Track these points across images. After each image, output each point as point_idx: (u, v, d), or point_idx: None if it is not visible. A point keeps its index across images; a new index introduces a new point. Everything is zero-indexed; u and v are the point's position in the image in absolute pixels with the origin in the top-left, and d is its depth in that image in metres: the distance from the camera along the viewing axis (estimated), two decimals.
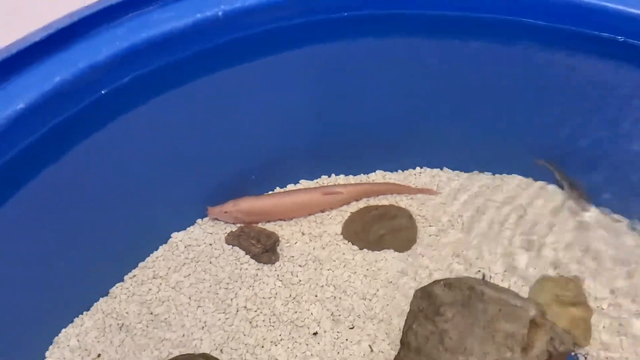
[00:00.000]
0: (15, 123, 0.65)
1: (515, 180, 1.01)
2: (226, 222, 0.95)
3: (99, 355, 0.81)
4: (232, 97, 0.84)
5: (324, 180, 1.03)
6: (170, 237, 0.94)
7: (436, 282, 0.81)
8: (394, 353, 0.80)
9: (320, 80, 0.88)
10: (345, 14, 0.81)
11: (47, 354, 0.80)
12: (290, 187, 1.01)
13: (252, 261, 0.91)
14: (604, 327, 0.85)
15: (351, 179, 1.03)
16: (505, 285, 0.88)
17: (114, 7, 0.71)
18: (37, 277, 0.76)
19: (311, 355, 0.81)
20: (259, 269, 0.91)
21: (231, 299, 0.87)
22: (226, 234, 0.94)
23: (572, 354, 0.83)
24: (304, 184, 1.02)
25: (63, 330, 0.83)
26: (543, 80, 0.90)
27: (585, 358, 0.83)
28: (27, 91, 0.66)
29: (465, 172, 1.03)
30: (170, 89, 0.78)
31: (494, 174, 1.02)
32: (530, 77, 0.91)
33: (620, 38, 0.80)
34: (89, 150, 0.74)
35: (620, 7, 0.79)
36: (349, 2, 0.80)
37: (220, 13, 0.75)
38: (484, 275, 0.90)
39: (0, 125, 0.64)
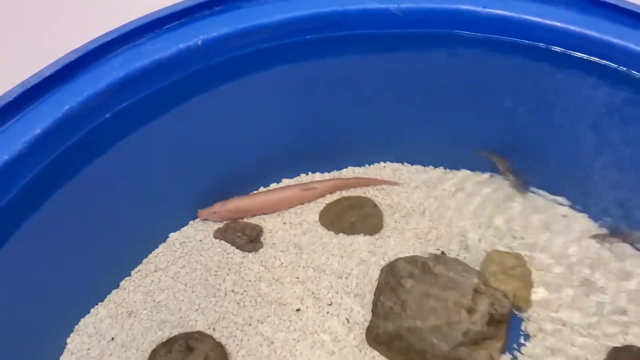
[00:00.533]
0: (34, 145, 0.77)
1: (464, 173, 1.15)
2: (214, 221, 1.08)
3: (112, 339, 0.94)
4: (216, 114, 0.97)
5: (302, 177, 1.16)
6: (168, 237, 1.06)
7: (398, 259, 0.95)
8: (367, 323, 0.94)
9: (294, 94, 1.01)
10: (308, 37, 0.93)
11: (68, 340, 0.93)
12: (273, 185, 1.14)
13: (238, 251, 1.04)
14: (542, 292, 1.00)
15: (326, 175, 1.17)
16: (461, 259, 1.02)
17: (110, 42, 0.83)
18: (60, 273, 0.88)
19: (294, 330, 0.95)
20: (244, 257, 1.04)
21: (220, 284, 1.00)
22: (215, 229, 1.07)
23: (517, 315, 0.98)
24: (285, 182, 1.15)
25: (82, 319, 0.95)
26: (481, 85, 1.04)
27: (528, 319, 0.98)
28: (42, 118, 0.78)
29: (422, 166, 1.17)
30: (163, 110, 0.90)
31: (445, 169, 1.17)
32: (468, 84, 1.05)
33: (541, 45, 0.93)
34: (98, 168, 0.86)
35: (539, 20, 0.92)
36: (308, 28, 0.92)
37: (199, 42, 0.87)
38: (442, 252, 1.03)
39: (22, 148, 0.76)
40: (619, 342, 0.93)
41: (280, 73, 0.99)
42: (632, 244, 1.03)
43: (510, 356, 0.92)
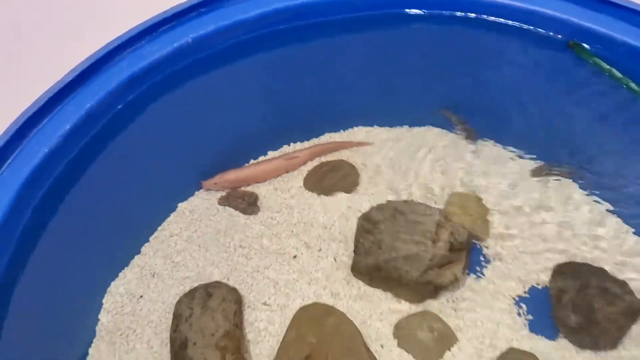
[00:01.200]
0: (67, 138, 0.94)
1: (426, 129, 1.33)
2: (217, 191, 1.26)
3: (141, 296, 1.12)
4: (210, 99, 1.14)
5: (285, 149, 1.33)
6: (177, 207, 1.23)
7: (372, 208, 1.14)
8: (350, 261, 1.13)
9: (273, 77, 1.18)
10: (281, 27, 1.10)
11: (103, 301, 1.11)
12: (261, 158, 1.31)
13: (241, 214, 1.22)
14: (497, 224, 1.20)
15: (305, 144, 1.34)
16: (428, 203, 1.21)
17: (116, 47, 1.00)
18: (91, 245, 1.06)
19: (293, 272, 1.14)
20: (247, 219, 1.22)
21: (229, 242, 1.18)
22: (218, 199, 1.25)
23: (477, 244, 1.17)
24: (270, 154, 1.32)
25: (112, 282, 1.13)
26: (433, 55, 1.22)
27: (487, 247, 1.17)
28: (69, 116, 0.95)
29: (390, 127, 1.35)
30: (165, 99, 1.07)
31: (410, 127, 1.35)
32: (422, 55, 1.23)
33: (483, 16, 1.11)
34: (117, 153, 1.03)
35: None
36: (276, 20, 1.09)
37: (190, 40, 1.04)
38: (413, 201, 1.22)
39: (58, 141, 0.93)
40: (562, 260, 1.13)
41: (259, 60, 1.16)
42: (568, 177, 1.22)
43: (475, 276, 1.12)
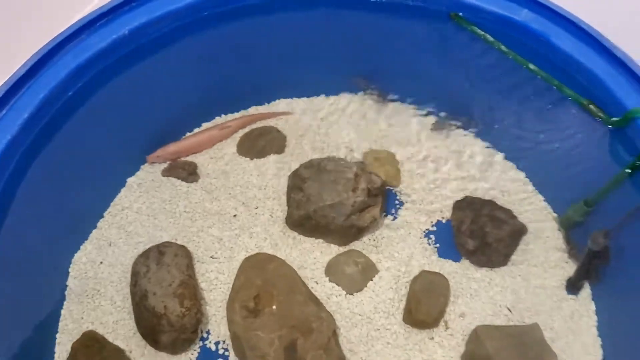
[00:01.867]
0: (24, 127, 1.06)
1: (341, 96, 1.50)
2: (159, 163, 1.40)
3: (101, 262, 1.25)
4: (147, 82, 1.26)
5: (217, 120, 1.48)
6: (126, 182, 1.36)
7: (299, 166, 1.31)
8: (285, 214, 1.31)
9: (203, 57, 1.31)
10: (205, 13, 1.24)
11: (69, 269, 1.24)
12: (196, 130, 1.45)
13: (183, 183, 1.36)
14: (406, 173, 1.39)
15: (235, 115, 1.49)
16: (347, 159, 1.39)
17: (62, 42, 1.12)
18: (53, 220, 1.18)
19: (235, 229, 1.30)
20: (188, 187, 1.36)
21: (174, 209, 1.32)
22: (161, 170, 1.38)
23: (392, 190, 1.37)
24: (204, 125, 1.47)
25: (75, 254, 1.25)
26: (344, 29, 1.38)
27: (399, 192, 1.37)
28: (28, 103, 1.07)
29: (308, 97, 1.52)
30: (108, 85, 1.19)
31: (326, 96, 1.52)
32: (333, 30, 1.39)
33: None
34: (68, 136, 1.15)
35: None
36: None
37: (126, 32, 1.16)
38: (334, 157, 1.40)
39: (17, 131, 1.05)
40: (460, 197, 1.35)
41: (190, 45, 1.28)
42: (462, 127, 1.44)
43: (391, 217, 1.32)
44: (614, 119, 1.09)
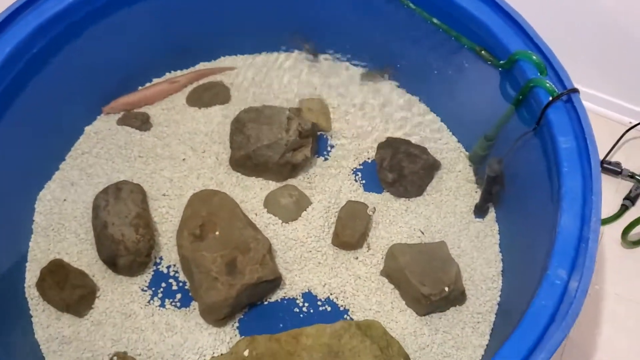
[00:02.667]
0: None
1: (279, 53, 1.67)
2: (114, 114, 1.55)
3: (65, 200, 1.40)
4: (103, 41, 1.41)
5: (167, 75, 1.63)
6: (84, 130, 1.51)
7: (240, 111, 1.48)
8: (228, 156, 1.48)
9: (152, 16, 1.46)
10: None
11: (35, 206, 1.38)
12: (147, 84, 1.61)
13: (137, 131, 1.51)
14: (337, 119, 1.57)
15: (184, 71, 1.64)
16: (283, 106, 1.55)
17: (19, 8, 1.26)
18: (21, 165, 1.33)
19: (184, 170, 1.45)
20: (142, 134, 1.51)
21: (130, 153, 1.46)
22: (116, 120, 1.54)
23: (324, 135, 1.54)
24: (155, 80, 1.62)
25: (40, 192, 1.40)
26: None
27: (330, 136, 1.55)
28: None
29: (250, 54, 1.68)
30: (69, 44, 1.33)
31: (267, 53, 1.69)
32: None
33: None
34: (34, 90, 1.29)
35: None
36: None
37: None
38: (270, 105, 1.55)
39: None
40: (383, 138, 1.53)
41: (141, 6, 1.44)
42: (386, 77, 1.62)
43: (322, 158, 1.50)
44: (502, 61, 1.28)
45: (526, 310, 0.97)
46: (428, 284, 1.24)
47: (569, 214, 1.05)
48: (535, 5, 1.45)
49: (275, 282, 1.28)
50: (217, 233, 1.29)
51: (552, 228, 1.06)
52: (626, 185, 1.58)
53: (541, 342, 0.92)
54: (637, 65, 1.56)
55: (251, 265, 1.24)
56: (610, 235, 1.50)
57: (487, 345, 1.25)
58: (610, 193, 1.57)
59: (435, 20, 1.36)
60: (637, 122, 1.65)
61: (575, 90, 1.16)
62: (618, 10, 1.46)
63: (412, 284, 1.24)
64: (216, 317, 1.23)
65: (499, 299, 1.30)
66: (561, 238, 1.02)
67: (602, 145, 1.55)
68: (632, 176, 1.57)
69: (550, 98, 1.17)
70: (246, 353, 1.17)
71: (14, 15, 1.24)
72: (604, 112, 1.70)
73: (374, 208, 1.38)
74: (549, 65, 1.21)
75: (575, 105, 1.15)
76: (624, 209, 1.53)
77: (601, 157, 1.59)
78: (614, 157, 1.63)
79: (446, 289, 1.24)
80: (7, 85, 1.24)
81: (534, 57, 1.21)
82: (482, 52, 1.31)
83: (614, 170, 1.58)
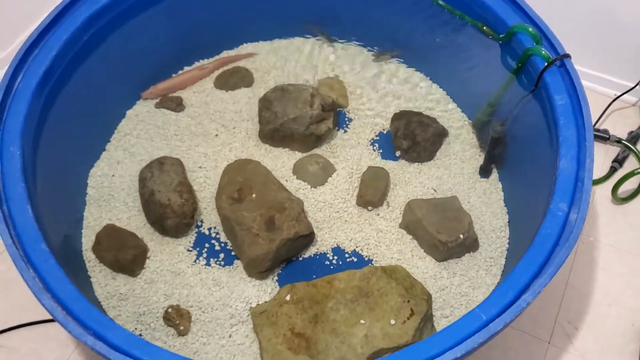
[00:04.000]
0: (52, 62, 1.35)
1: (296, 39, 1.84)
2: (152, 99, 1.71)
3: (113, 175, 1.53)
4: (141, 33, 1.57)
5: (196, 63, 1.79)
6: (126, 114, 1.66)
7: (267, 91, 1.64)
8: (257, 132, 1.63)
9: (182, 12, 1.64)
10: None
11: (88, 181, 1.52)
12: (179, 72, 1.77)
13: (172, 112, 1.67)
14: (354, 96, 1.73)
15: (211, 59, 1.81)
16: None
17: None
18: (75, 145, 1.48)
19: (217, 145, 1.60)
20: (177, 115, 1.67)
21: (166, 133, 1.62)
22: (154, 104, 1.70)
23: (342, 111, 1.70)
24: (185, 68, 1.78)
25: (91, 170, 1.54)
26: None
27: (348, 112, 1.71)
28: (53, 46, 1.36)
29: (269, 40, 1.85)
30: (113, 35, 1.49)
31: (285, 38, 1.85)
32: None
33: None
34: (83, 76, 1.44)
35: None
36: None
37: None
38: (294, 83, 1.71)
39: (48, 65, 1.34)
40: (396, 111, 1.69)
41: (173, 3, 1.61)
42: (396, 57, 1.79)
43: (342, 131, 1.66)
44: (501, 35, 1.45)
45: (534, 238, 1.13)
46: (444, 232, 1.40)
47: (567, 158, 1.21)
48: None
49: (310, 237, 1.43)
50: (253, 196, 1.45)
51: (552, 173, 1.22)
52: (614, 150, 1.76)
53: (549, 260, 1.09)
54: (620, 44, 1.74)
55: (288, 221, 1.40)
56: (602, 193, 1.67)
57: (498, 283, 1.41)
58: (601, 157, 1.74)
59: (440, 2, 1.53)
60: (620, 94, 1.83)
61: (568, 56, 1.33)
62: None
63: (430, 233, 1.40)
64: (259, 269, 1.38)
65: (507, 245, 1.47)
66: (561, 178, 1.19)
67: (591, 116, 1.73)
68: (619, 141, 1.74)
69: (546, 63, 1.33)
70: (288, 298, 1.32)
71: (68, 6, 1.40)
72: (592, 86, 1.88)
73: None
74: (543, 36, 1.38)
75: (568, 68, 1.32)
76: (612, 170, 1.70)
77: None
78: (603, 126, 1.81)
79: (461, 236, 1.40)
80: (62, 71, 1.39)
81: (530, 29, 1.38)
82: (484, 27, 1.48)
83: (603, 136, 1.75)
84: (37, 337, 1.38)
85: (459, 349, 0.98)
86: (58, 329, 1.37)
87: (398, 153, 1.61)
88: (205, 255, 1.44)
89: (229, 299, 1.37)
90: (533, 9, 1.41)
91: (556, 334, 1.42)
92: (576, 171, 1.20)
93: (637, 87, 1.79)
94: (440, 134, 1.61)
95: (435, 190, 1.55)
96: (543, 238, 1.12)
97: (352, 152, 1.62)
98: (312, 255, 1.45)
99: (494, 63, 1.50)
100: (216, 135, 1.64)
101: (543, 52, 1.34)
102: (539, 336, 1.41)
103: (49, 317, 1.25)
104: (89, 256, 1.43)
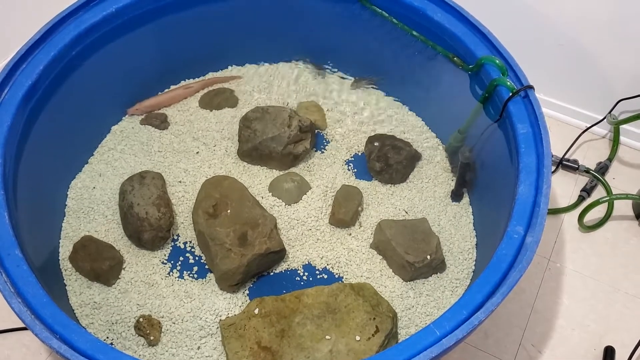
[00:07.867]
0: (40, 75, 1.41)
1: (282, 64, 1.91)
2: (137, 115, 1.76)
3: (94, 187, 1.59)
4: (130, 50, 1.64)
5: (182, 82, 1.85)
6: (111, 129, 1.72)
7: (248, 111, 1.69)
8: (236, 150, 1.69)
9: (171, 33, 1.70)
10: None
11: (67, 192, 1.56)
12: (165, 90, 1.83)
13: (156, 129, 1.72)
14: (331, 120, 1.79)
15: (196, 79, 1.87)
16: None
17: (64, 17, 1.47)
18: (57, 157, 1.53)
19: (198, 162, 1.65)
20: (161, 132, 1.73)
21: (150, 149, 1.67)
22: (139, 120, 1.75)
23: (320, 132, 1.76)
24: (171, 87, 1.84)
25: (72, 181, 1.59)
26: (277, 12, 1.79)
27: (326, 134, 1.77)
28: (40, 61, 1.42)
29: (255, 64, 1.92)
30: (99, 53, 1.55)
31: (270, 63, 1.92)
32: (270, 14, 1.79)
33: None
34: (69, 91, 1.49)
35: None
36: None
37: (114, 9, 1.54)
38: (274, 105, 1.78)
39: (36, 78, 1.40)
40: (371, 134, 1.75)
41: (161, 23, 1.63)
42: (372, 85, 1.85)
43: (320, 151, 1.71)
44: (471, 66, 1.52)
45: (490, 259, 1.18)
46: (412, 253, 1.45)
47: (525, 184, 1.26)
48: (500, 23, 1.69)
49: (281, 253, 1.48)
50: (228, 211, 1.49)
51: (512, 198, 1.28)
52: (583, 180, 1.81)
53: (503, 280, 1.13)
54: (589, 77, 1.81)
55: (260, 238, 1.44)
56: (569, 221, 1.72)
57: None
58: (570, 186, 1.80)
59: (414, 33, 1.60)
60: (590, 125, 1.89)
61: (531, 87, 1.39)
62: (573, 29, 1.72)
63: (398, 253, 1.45)
64: (230, 282, 1.43)
65: (474, 267, 1.51)
66: (519, 202, 1.24)
67: (561, 146, 1.81)
68: (587, 171, 1.79)
69: (510, 94, 1.39)
70: (256, 311, 1.36)
71: (57, 24, 1.46)
72: (563, 117, 1.95)
73: None
74: (509, 67, 1.45)
75: (531, 99, 1.38)
76: (580, 199, 1.76)
77: (560, 156, 1.83)
78: (573, 156, 1.87)
79: (428, 257, 1.45)
80: (48, 85, 1.45)
81: (497, 60, 1.44)
82: (455, 58, 1.55)
83: (572, 166, 1.81)
84: (11, 344, 1.41)
85: None
86: (32, 337, 1.41)
87: (372, 174, 1.66)
88: (179, 267, 1.48)
89: (199, 310, 1.41)
90: (500, 41, 1.47)
91: (520, 356, 1.46)
92: (534, 196, 1.25)
93: (604, 120, 1.85)
94: (413, 157, 1.67)
95: (406, 212, 1.59)
96: (499, 259, 1.17)
97: (327, 171, 1.67)
98: (284, 271, 1.50)
99: (463, 92, 1.56)
100: (197, 152, 1.69)
101: (508, 82, 1.40)
102: (503, 358, 1.45)
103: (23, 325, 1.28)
104: (65, 265, 1.47)
